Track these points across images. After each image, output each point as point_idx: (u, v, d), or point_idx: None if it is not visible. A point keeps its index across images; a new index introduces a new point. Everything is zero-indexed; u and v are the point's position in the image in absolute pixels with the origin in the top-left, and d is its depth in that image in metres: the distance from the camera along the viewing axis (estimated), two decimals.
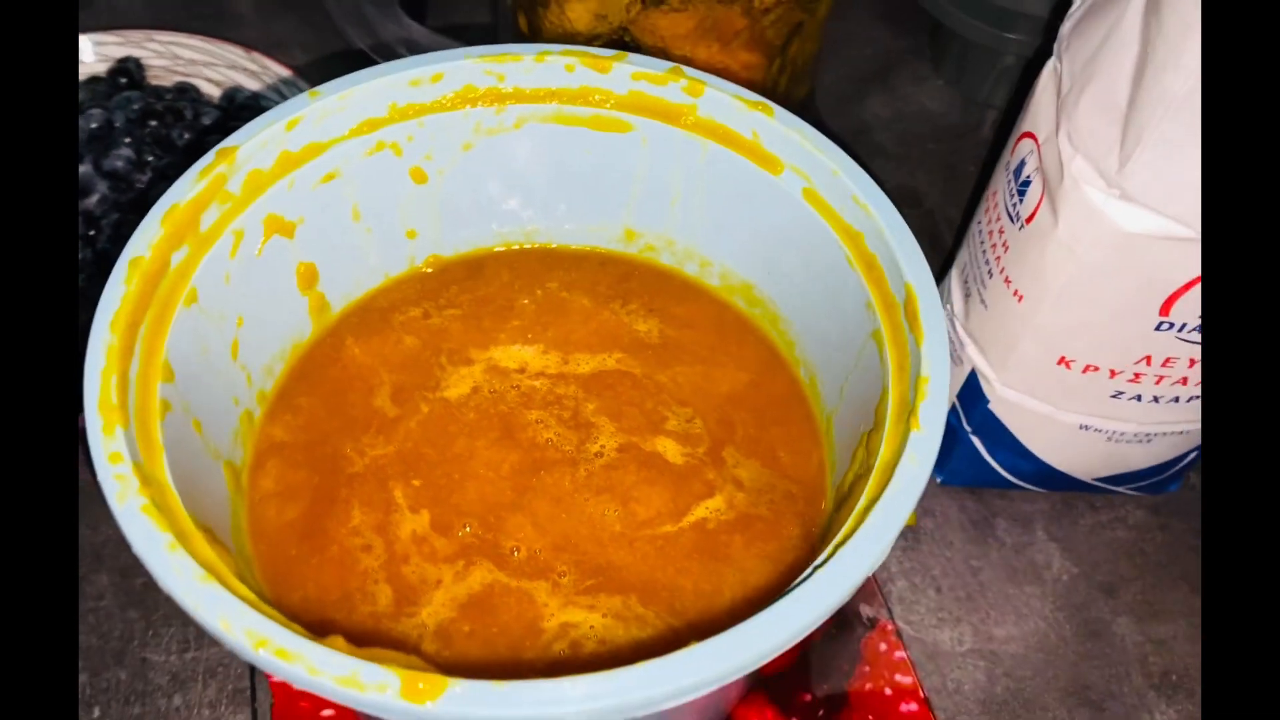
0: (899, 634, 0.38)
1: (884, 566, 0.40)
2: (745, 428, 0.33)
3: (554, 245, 0.37)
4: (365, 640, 0.25)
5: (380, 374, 0.33)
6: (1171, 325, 0.32)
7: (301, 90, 0.33)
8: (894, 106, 0.58)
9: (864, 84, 0.59)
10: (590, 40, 0.41)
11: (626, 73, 0.32)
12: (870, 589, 0.39)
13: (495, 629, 0.29)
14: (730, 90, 0.31)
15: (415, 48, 0.42)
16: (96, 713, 0.36)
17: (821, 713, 0.35)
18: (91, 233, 0.40)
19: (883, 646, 0.37)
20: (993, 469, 0.41)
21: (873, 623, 0.38)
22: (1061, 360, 0.34)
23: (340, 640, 0.21)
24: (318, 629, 0.22)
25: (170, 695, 0.36)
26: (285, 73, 0.48)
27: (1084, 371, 0.34)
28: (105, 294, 0.25)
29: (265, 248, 0.30)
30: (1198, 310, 0.31)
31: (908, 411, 0.25)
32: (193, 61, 0.50)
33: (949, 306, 0.39)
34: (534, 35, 0.42)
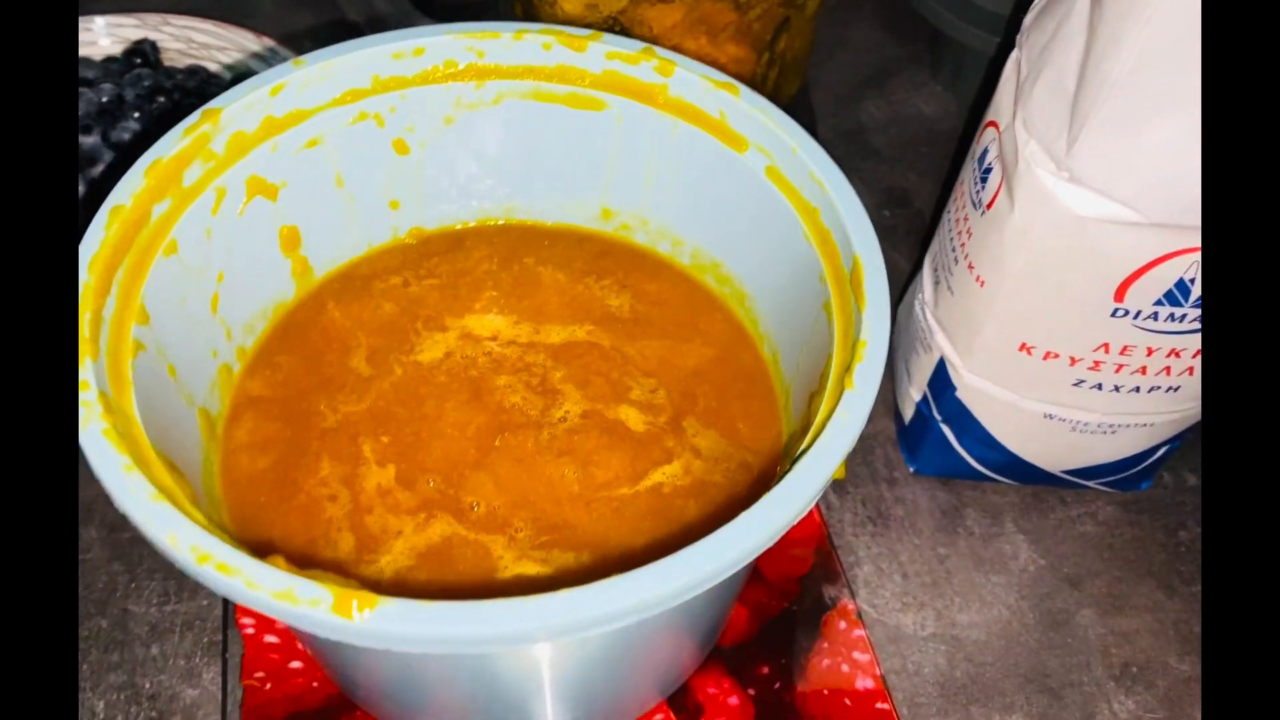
0: (859, 614, 0.38)
1: (850, 550, 0.41)
2: (707, 400, 0.34)
3: (533, 222, 0.38)
4: None
5: (358, 336, 0.35)
6: (1127, 312, 0.32)
7: None
8: (890, 110, 0.59)
9: (861, 88, 0.60)
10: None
11: (601, 52, 0.33)
12: (834, 570, 0.39)
13: (451, 577, 0.30)
14: (699, 70, 0.32)
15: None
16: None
17: (778, 685, 0.36)
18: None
19: (842, 624, 0.38)
20: (963, 459, 0.41)
21: (834, 601, 0.38)
22: (1023, 347, 0.35)
23: (281, 560, 0.22)
24: None
25: (149, 645, 0.38)
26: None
27: (1045, 358, 0.35)
28: (85, 237, 0.27)
29: (248, 208, 0.32)
30: (1152, 298, 0.32)
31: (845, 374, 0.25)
32: (206, 45, 0.51)
33: (921, 294, 0.40)
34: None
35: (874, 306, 0.26)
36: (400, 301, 0.36)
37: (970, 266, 0.35)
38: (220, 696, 0.36)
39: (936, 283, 0.38)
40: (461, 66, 0.33)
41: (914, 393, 0.41)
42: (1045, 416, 0.37)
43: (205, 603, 0.39)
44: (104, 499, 0.41)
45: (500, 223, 0.38)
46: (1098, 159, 0.28)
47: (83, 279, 0.26)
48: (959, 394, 0.38)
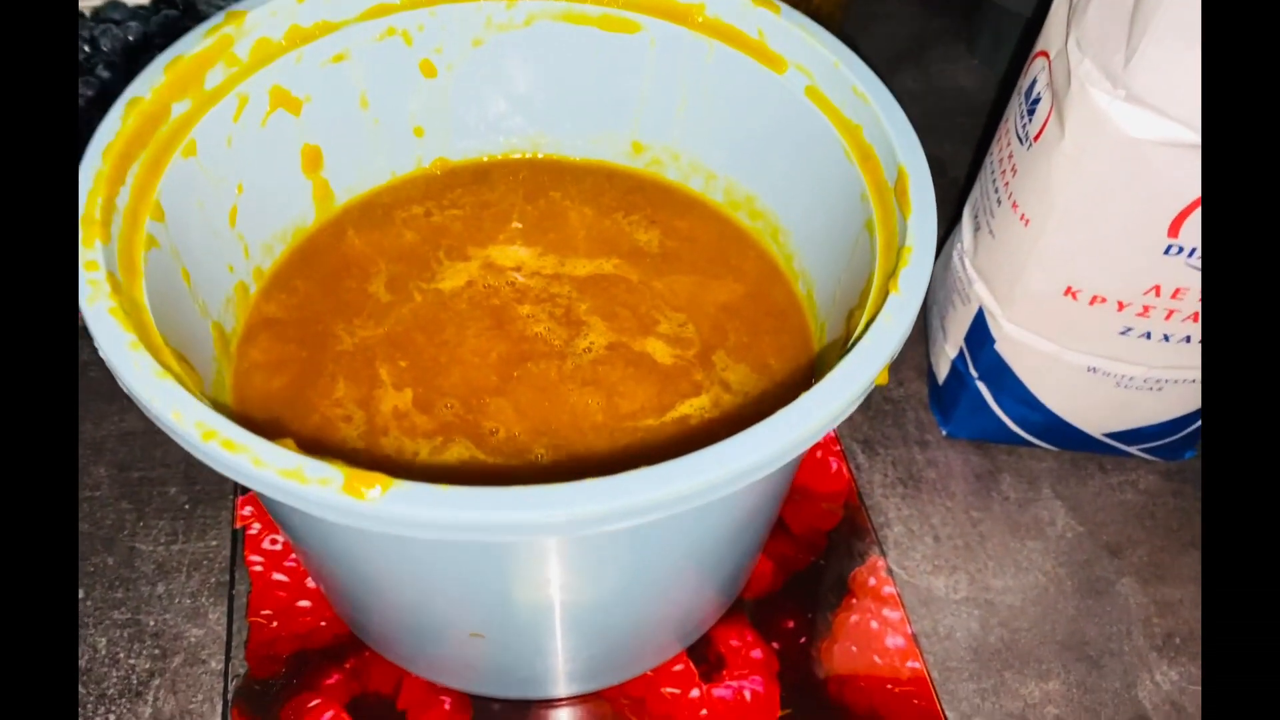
0: (889, 571, 0.37)
1: (880, 512, 0.39)
2: (738, 335, 0.33)
3: (561, 157, 0.37)
4: None
5: (378, 263, 0.34)
6: (1181, 249, 0.31)
7: None
8: (926, 82, 0.58)
9: (897, 60, 0.59)
10: None
11: None
12: (863, 526, 0.38)
13: None
14: None
15: None
16: (80, 594, 0.36)
17: (804, 640, 0.34)
18: None
19: (871, 581, 0.36)
20: (999, 420, 0.40)
21: (863, 557, 0.37)
22: (1068, 291, 0.34)
23: (290, 442, 0.21)
24: None
25: (154, 583, 0.37)
26: None
27: (1091, 304, 0.33)
28: (101, 127, 0.26)
29: (270, 120, 0.31)
30: None
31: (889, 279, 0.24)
32: None
33: (960, 244, 0.38)
34: None
35: (920, 213, 0.25)
36: (422, 230, 0.35)
37: (1014, 205, 0.33)
38: (225, 635, 0.35)
39: (977, 229, 0.37)
40: None
41: (949, 349, 0.40)
42: (1089, 370, 0.36)
43: (215, 543, 0.37)
44: (115, 438, 0.41)
45: (527, 156, 0.37)
46: (1157, 72, 0.27)
47: (95, 165, 0.25)
48: (998, 347, 0.37)
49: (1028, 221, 0.33)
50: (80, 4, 0.47)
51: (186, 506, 0.38)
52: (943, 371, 0.41)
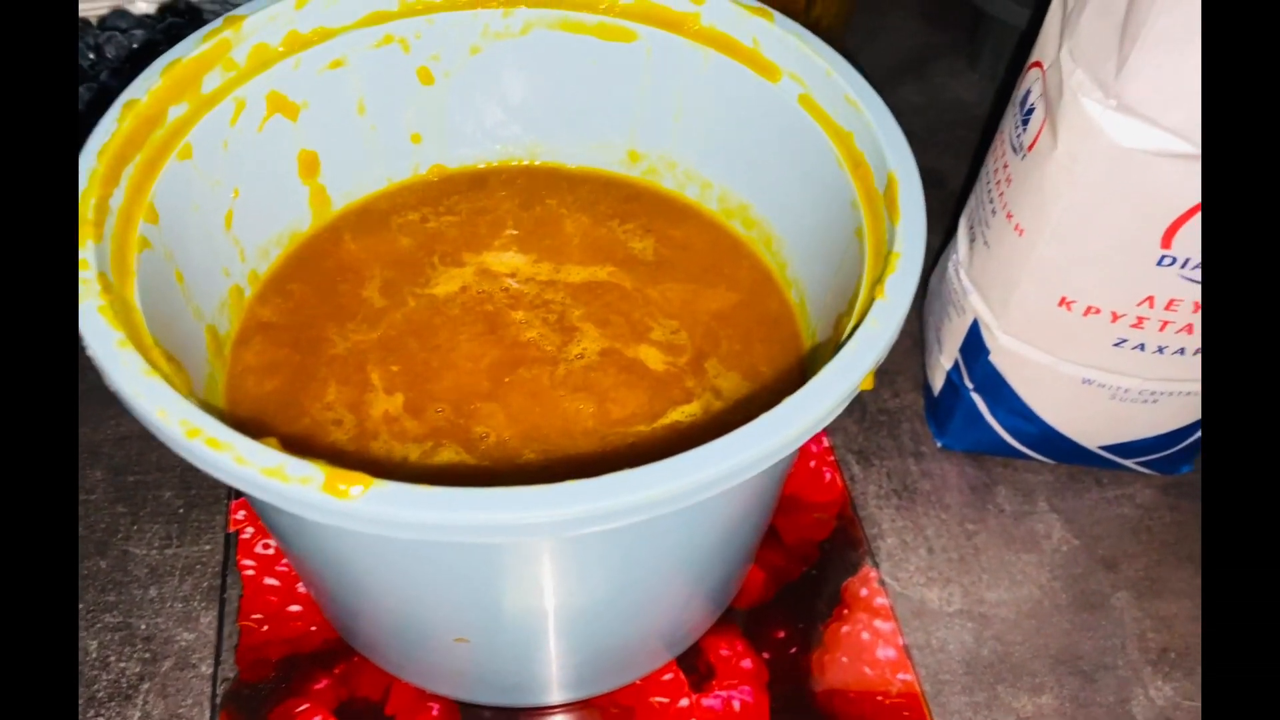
0: (882, 582, 0.37)
1: (874, 523, 0.39)
2: (730, 342, 0.33)
3: (557, 165, 0.37)
4: None
5: (373, 268, 0.34)
6: (1174, 260, 0.31)
7: None
8: (927, 95, 0.58)
9: (899, 73, 0.59)
10: None
11: None
12: (855, 536, 0.38)
13: None
14: None
15: None
16: None
17: (794, 650, 0.34)
18: None
19: (864, 591, 0.36)
20: (995, 432, 0.40)
21: (855, 568, 0.36)
22: (1062, 302, 0.33)
23: (274, 441, 0.21)
24: None
25: (146, 587, 0.37)
26: None
27: (1085, 314, 0.33)
28: (97, 128, 0.26)
29: (267, 125, 0.31)
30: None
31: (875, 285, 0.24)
32: None
33: (955, 255, 0.38)
34: None
35: (908, 219, 0.25)
36: (418, 236, 0.35)
37: (1009, 215, 0.33)
38: (216, 639, 0.35)
39: (972, 240, 0.37)
40: None
41: (944, 361, 0.40)
42: (1083, 382, 0.36)
43: (208, 547, 0.38)
44: (111, 442, 0.41)
45: (524, 164, 0.37)
46: (1148, 81, 0.27)
47: (90, 165, 0.25)
48: (992, 358, 0.37)
49: (1022, 231, 0.33)
50: (86, 12, 0.47)
51: (181, 510, 0.39)
52: (938, 383, 0.41)
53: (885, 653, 0.34)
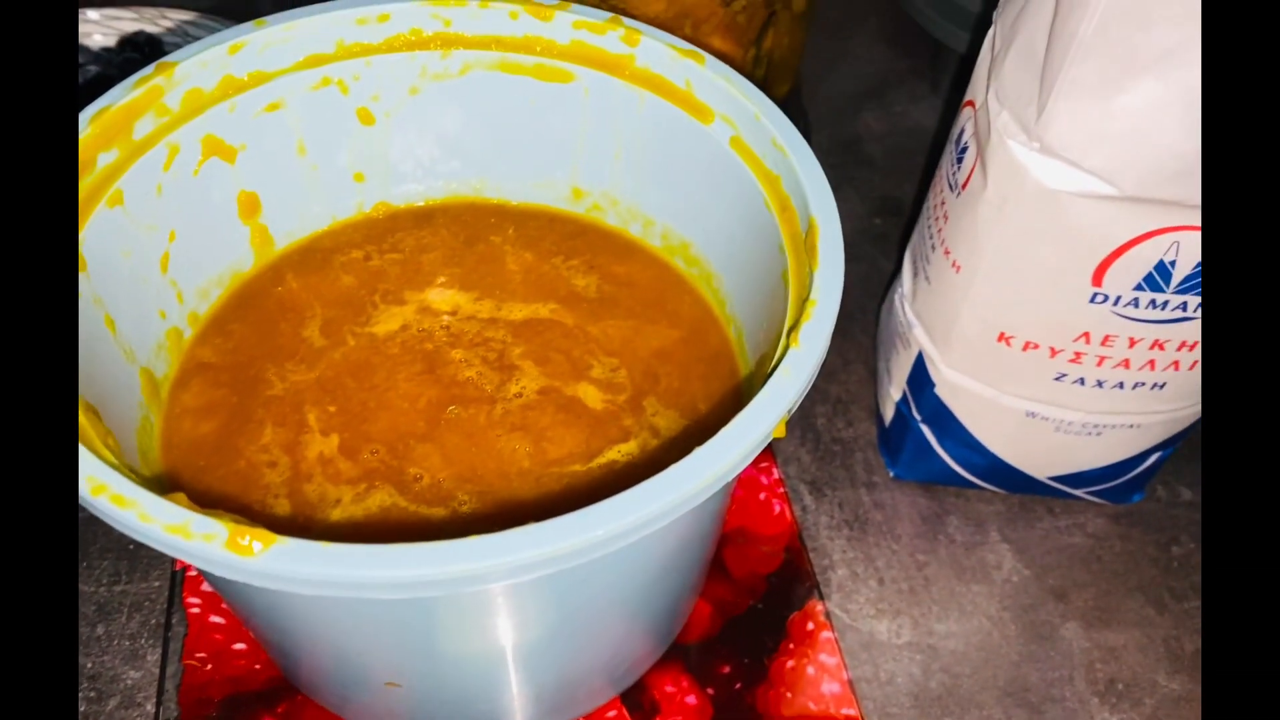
0: (829, 616, 0.37)
1: (825, 554, 0.39)
2: (669, 380, 0.33)
3: (501, 201, 0.37)
4: None
5: (314, 307, 0.34)
6: (1106, 297, 0.31)
7: None
8: (888, 121, 0.58)
9: (860, 99, 0.59)
10: None
11: (568, 21, 0.32)
12: (804, 570, 0.38)
13: None
14: (665, 39, 0.31)
15: None
16: None
17: (739, 685, 0.34)
18: None
19: (810, 626, 0.36)
20: (944, 463, 0.40)
21: (802, 602, 0.37)
22: (1001, 337, 0.34)
23: (182, 497, 0.21)
24: None
25: (94, 625, 0.37)
26: None
27: (1024, 349, 0.34)
28: None
29: (203, 168, 0.31)
30: (1131, 282, 0.30)
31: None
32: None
33: (900, 288, 0.38)
34: None
35: (826, 267, 0.25)
36: (360, 275, 0.35)
37: (946, 252, 0.34)
38: (159, 678, 0.35)
39: (915, 274, 0.37)
40: (428, 34, 0.33)
41: (894, 392, 0.40)
42: (1027, 415, 0.36)
43: (157, 583, 0.38)
44: None
45: (469, 200, 0.37)
46: (1067, 126, 0.27)
47: None
48: (938, 390, 0.37)
49: (959, 268, 0.33)
50: None
51: (131, 546, 0.39)
52: (889, 414, 0.41)
53: (830, 687, 0.34)
